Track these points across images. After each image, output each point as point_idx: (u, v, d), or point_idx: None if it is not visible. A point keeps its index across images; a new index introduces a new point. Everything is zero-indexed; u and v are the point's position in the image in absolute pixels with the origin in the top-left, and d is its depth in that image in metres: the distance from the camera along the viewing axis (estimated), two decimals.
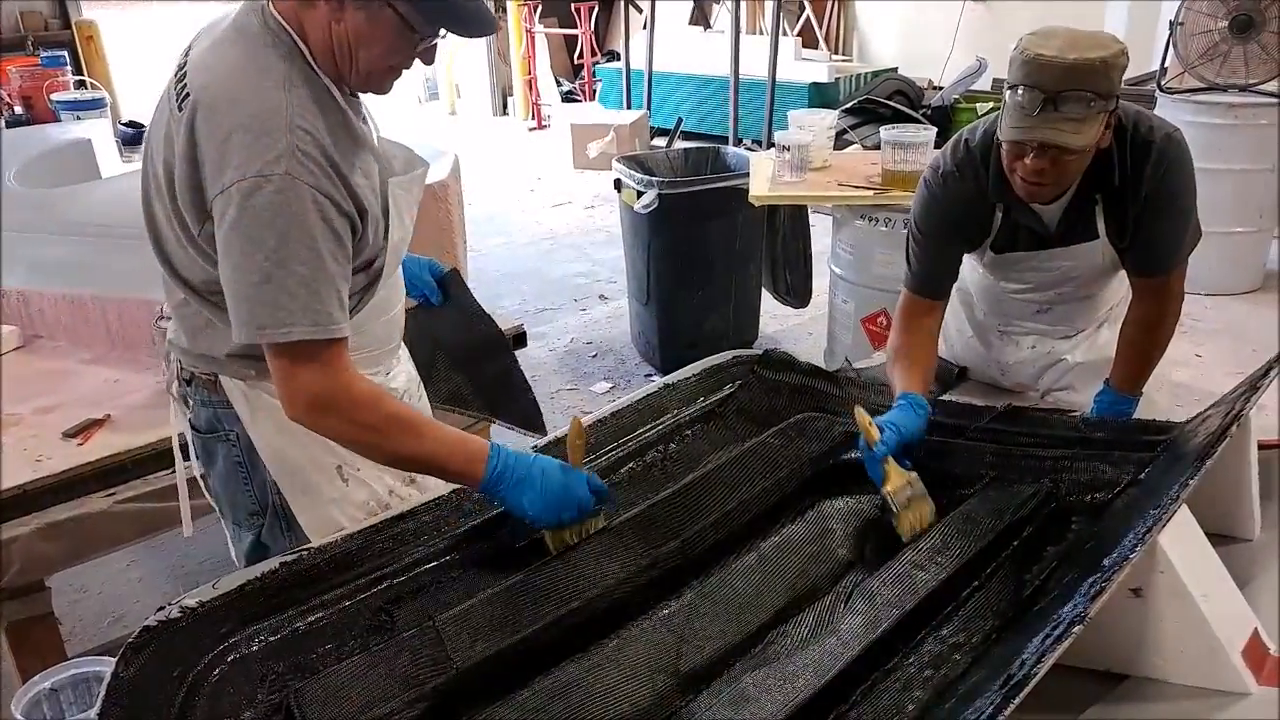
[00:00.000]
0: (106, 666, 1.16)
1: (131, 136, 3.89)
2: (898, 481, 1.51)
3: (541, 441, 1.59)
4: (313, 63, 1.30)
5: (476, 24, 1.31)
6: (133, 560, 2.88)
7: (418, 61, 1.35)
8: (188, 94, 1.26)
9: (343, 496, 1.51)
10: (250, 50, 1.28)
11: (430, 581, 1.37)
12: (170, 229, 1.35)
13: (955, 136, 1.83)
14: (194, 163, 1.25)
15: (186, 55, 1.34)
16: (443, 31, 1.31)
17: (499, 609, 1.27)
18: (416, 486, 1.58)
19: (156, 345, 2.11)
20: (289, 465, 1.49)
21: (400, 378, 1.64)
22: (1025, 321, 2.03)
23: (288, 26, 1.29)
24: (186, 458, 1.67)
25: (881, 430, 1.55)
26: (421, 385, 1.73)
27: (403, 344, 1.65)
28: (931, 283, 1.86)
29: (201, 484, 1.62)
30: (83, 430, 2.01)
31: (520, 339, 2.63)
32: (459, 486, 1.46)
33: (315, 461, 1.49)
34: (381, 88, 1.37)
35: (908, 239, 1.88)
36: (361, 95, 1.40)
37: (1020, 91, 1.54)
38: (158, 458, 1.93)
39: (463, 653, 1.21)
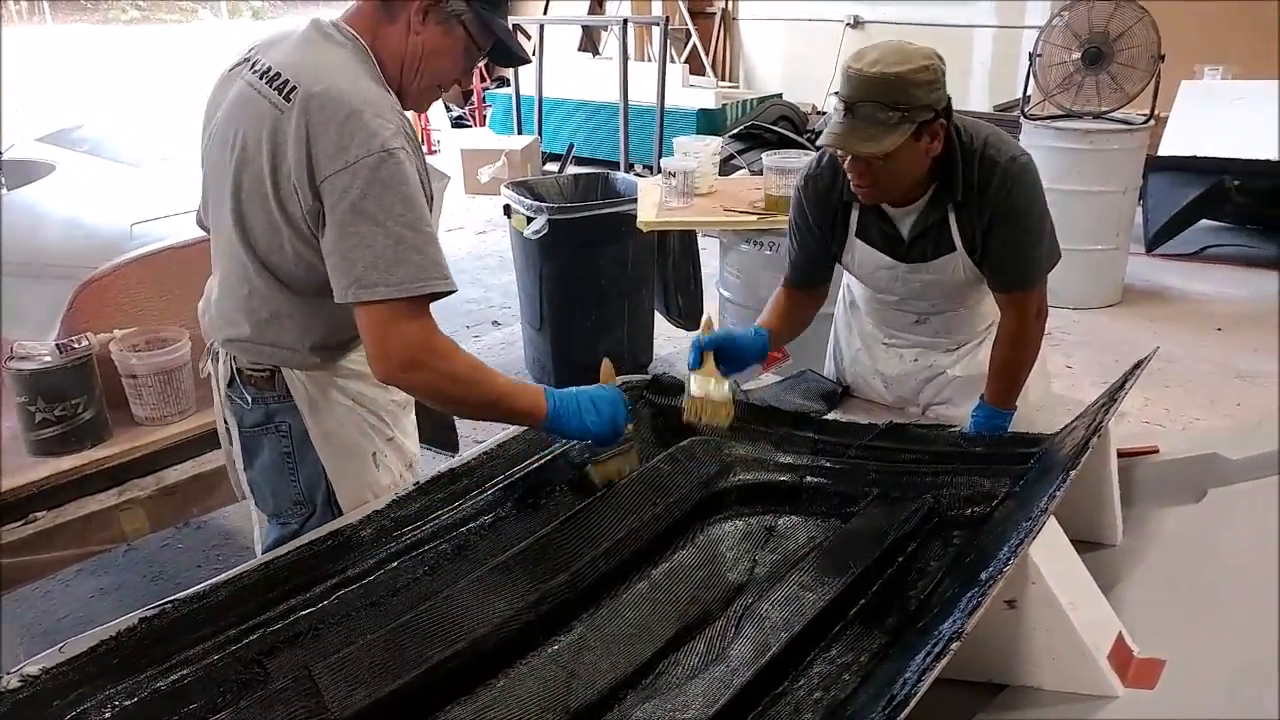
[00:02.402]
0: None
1: None
2: (703, 375, 1.73)
3: None
4: (381, 72, 1.45)
5: (521, 51, 1.57)
6: None
7: None
8: (293, 87, 1.37)
9: (374, 480, 1.64)
10: (343, 53, 1.43)
11: (307, 629, 1.30)
12: (264, 213, 1.43)
13: None
14: (306, 145, 1.35)
15: (254, 63, 1.45)
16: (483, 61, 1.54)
17: (379, 654, 1.21)
18: (412, 472, 1.70)
19: (6, 387, 2.00)
20: (339, 452, 1.60)
21: None
22: (906, 333, 2.09)
23: (360, 38, 1.44)
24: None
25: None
26: None
27: None
28: (798, 275, 2.04)
29: (241, 478, 1.71)
30: None
31: None
32: (334, 527, 1.41)
33: (359, 449, 1.62)
34: (425, 104, 1.56)
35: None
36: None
37: (834, 102, 1.69)
38: (6, 510, 1.80)
39: (340, 702, 1.15)
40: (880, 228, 1.88)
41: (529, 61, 1.64)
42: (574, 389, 1.55)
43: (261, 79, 1.42)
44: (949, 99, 1.70)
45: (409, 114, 1.52)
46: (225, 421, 1.69)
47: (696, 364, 1.76)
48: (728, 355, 1.83)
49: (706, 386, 1.71)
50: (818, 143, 1.75)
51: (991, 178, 1.73)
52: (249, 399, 1.59)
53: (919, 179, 1.76)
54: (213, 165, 1.51)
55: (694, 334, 1.81)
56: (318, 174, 1.35)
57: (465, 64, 1.52)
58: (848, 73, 1.65)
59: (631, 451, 1.60)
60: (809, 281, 2.04)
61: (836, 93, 1.69)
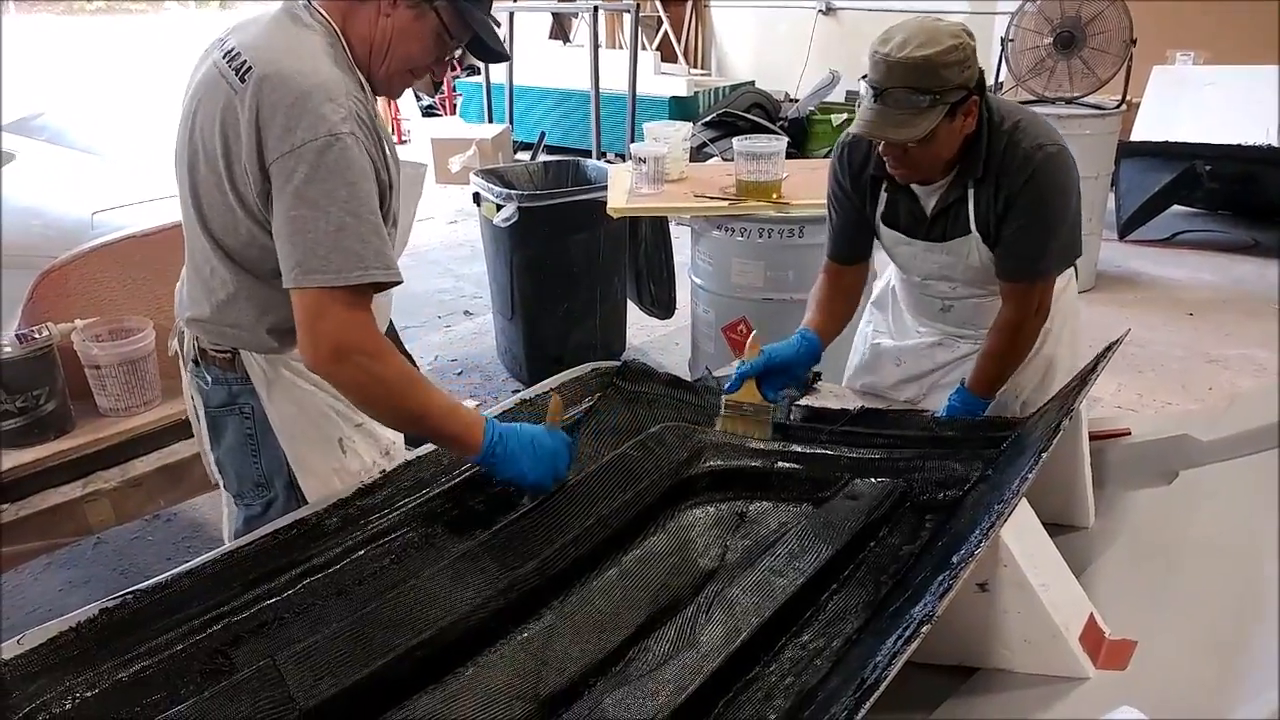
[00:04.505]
0: None
1: None
2: (741, 395, 1.73)
3: (498, 409, 1.71)
4: (348, 54, 1.44)
5: (499, 44, 1.52)
6: None
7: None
8: (249, 68, 1.36)
9: (341, 466, 1.62)
10: (305, 34, 1.41)
11: (272, 618, 1.28)
12: (219, 195, 1.42)
13: None
14: (256, 128, 1.34)
15: (224, 43, 1.43)
16: (459, 52, 1.52)
17: (346, 643, 1.19)
18: (388, 459, 1.67)
19: None
20: (299, 436, 1.59)
21: None
22: (933, 321, 2.07)
23: (331, 20, 1.43)
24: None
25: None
26: None
27: None
28: (838, 246, 1.99)
29: (209, 459, 1.70)
30: None
31: None
32: (300, 515, 1.39)
33: (322, 433, 1.60)
34: (397, 89, 1.54)
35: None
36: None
37: (862, 87, 1.64)
38: None
39: (306, 692, 1.13)
40: (906, 204, 1.85)
41: (508, 57, 1.60)
42: (520, 426, 1.49)
43: (225, 58, 1.41)
44: (981, 74, 1.65)
45: (380, 99, 1.50)
46: (193, 400, 1.68)
47: (735, 389, 1.75)
48: (773, 374, 1.80)
49: (741, 410, 1.73)
50: (850, 130, 1.71)
51: (1012, 163, 1.69)
52: (210, 379, 1.59)
53: (952, 157, 1.73)
54: (177, 145, 1.50)
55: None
56: (266, 157, 1.34)
57: (437, 52, 1.49)
58: (874, 58, 1.60)
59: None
60: (851, 253, 1.98)
61: (864, 77, 1.65)
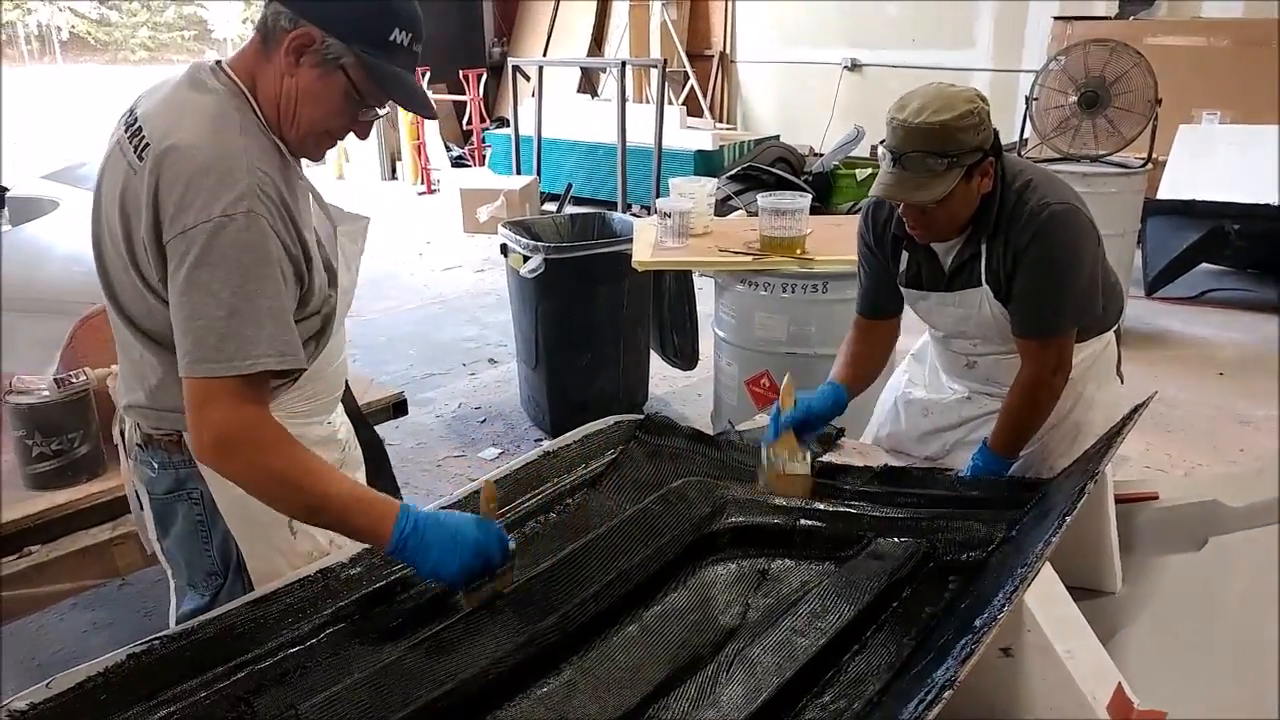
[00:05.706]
0: None
1: None
2: (781, 447, 1.76)
3: (450, 499, 1.58)
4: (260, 116, 1.36)
5: (419, 103, 1.41)
6: None
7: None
8: (147, 144, 1.29)
9: (290, 548, 1.54)
10: (206, 101, 1.33)
11: (295, 667, 1.29)
12: (128, 278, 1.36)
13: None
14: (155, 208, 1.27)
15: (133, 114, 1.36)
16: (382, 109, 1.41)
17: (367, 694, 1.20)
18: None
19: (4, 421, 2.00)
20: (247, 518, 1.50)
21: (343, 428, 1.68)
22: (961, 378, 2.08)
23: (239, 81, 1.35)
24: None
25: (795, 404, 1.83)
26: (354, 435, 1.75)
27: None
28: (867, 303, 2.05)
29: (156, 547, 1.61)
30: None
31: (400, 407, 2.56)
32: (325, 565, 1.40)
33: (271, 514, 1.46)
34: (315, 153, 1.43)
35: None
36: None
37: (881, 151, 1.69)
38: (1, 544, 1.79)
39: None
40: (926, 262, 1.89)
41: (433, 116, 1.51)
42: (446, 515, 1.36)
43: (127, 132, 1.34)
44: (996, 135, 1.70)
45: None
46: (135, 490, 1.61)
47: (775, 438, 1.78)
48: (810, 423, 1.86)
49: (783, 459, 1.76)
50: (871, 193, 1.77)
51: (1018, 220, 1.73)
52: (156, 464, 1.51)
53: (970, 216, 1.77)
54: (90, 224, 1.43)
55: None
56: (164, 237, 1.27)
57: (350, 113, 1.38)
58: (892, 124, 1.66)
59: (507, 573, 1.39)
60: (878, 309, 2.03)
61: (883, 142, 1.70)
